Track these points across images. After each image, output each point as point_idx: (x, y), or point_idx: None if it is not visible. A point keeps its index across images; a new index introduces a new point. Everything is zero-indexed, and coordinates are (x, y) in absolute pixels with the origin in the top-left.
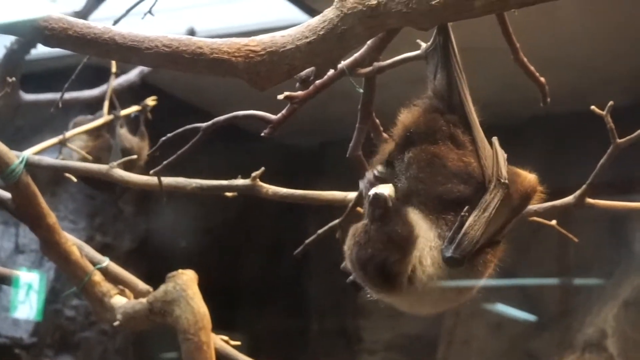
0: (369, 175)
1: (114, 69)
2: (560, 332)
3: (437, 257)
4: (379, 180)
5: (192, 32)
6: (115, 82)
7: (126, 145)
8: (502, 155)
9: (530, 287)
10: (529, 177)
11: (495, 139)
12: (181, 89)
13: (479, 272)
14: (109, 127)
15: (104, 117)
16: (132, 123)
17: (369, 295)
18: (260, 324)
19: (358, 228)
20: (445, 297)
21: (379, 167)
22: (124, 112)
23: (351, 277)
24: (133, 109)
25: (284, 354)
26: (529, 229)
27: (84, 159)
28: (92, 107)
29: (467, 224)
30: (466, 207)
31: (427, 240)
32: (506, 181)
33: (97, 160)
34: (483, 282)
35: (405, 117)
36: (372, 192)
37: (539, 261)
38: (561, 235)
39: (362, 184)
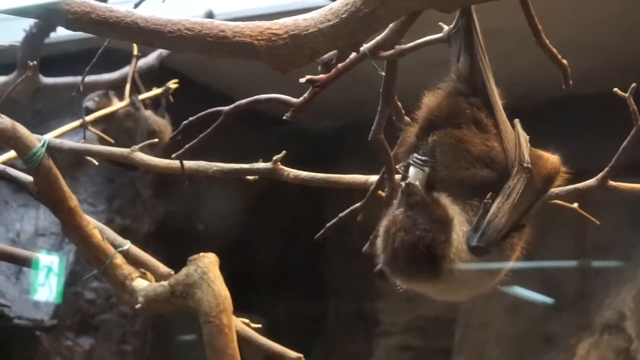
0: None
1: (135, 52)
2: (578, 314)
3: None
4: (409, 167)
5: (210, 15)
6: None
7: (154, 128)
8: (524, 137)
9: (548, 270)
10: (552, 159)
11: (517, 122)
12: (201, 73)
13: (507, 256)
14: (131, 110)
15: (125, 100)
16: (153, 106)
17: (398, 287)
18: (278, 307)
19: (397, 216)
20: (478, 282)
21: (416, 155)
22: (143, 96)
23: (379, 267)
24: (154, 92)
25: (302, 336)
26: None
27: (105, 142)
28: (112, 90)
29: (491, 211)
30: (489, 194)
31: (460, 224)
32: (529, 165)
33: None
34: (511, 265)
35: (429, 100)
36: (403, 182)
37: (557, 244)
38: (579, 218)
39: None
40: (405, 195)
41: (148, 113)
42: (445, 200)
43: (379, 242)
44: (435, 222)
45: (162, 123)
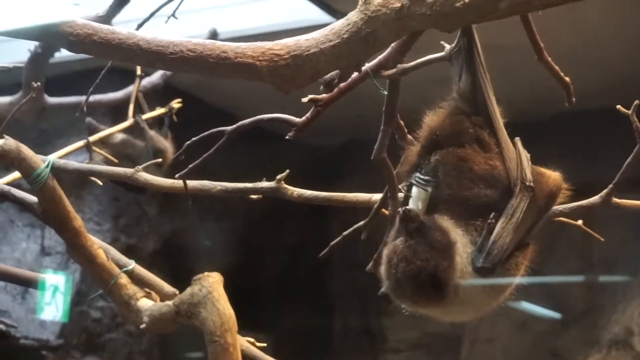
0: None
1: (139, 72)
2: (585, 330)
3: None
4: (411, 187)
5: (214, 34)
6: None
7: (159, 147)
8: (525, 156)
9: (555, 285)
10: (554, 176)
11: (517, 140)
12: (205, 92)
13: (512, 275)
14: (135, 130)
15: (129, 120)
16: (157, 125)
17: (404, 310)
18: (284, 324)
19: (397, 246)
20: (484, 302)
21: (419, 174)
22: (146, 116)
23: (383, 290)
24: (158, 111)
25: (308, 354)
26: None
27: (110, 162)
28: (116, 109)
29: (495, 231)
30: (493, 214)
31: (464, 246)
32: (531, 184)
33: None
34: (516, 282)
35: (431, 119)
36: (401, 209)
37: (564, 259)
38: (586, 233)
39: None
40: (404, 222)
41: (152, 133)
42: (446, 222)
43: (382, 270)
44: (436, 248)
45: (166, 142)
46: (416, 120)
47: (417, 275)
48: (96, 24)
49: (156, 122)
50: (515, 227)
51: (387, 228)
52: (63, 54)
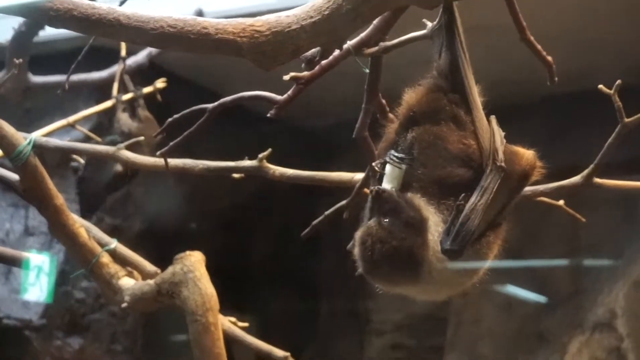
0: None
1: (123, 52)
2: (570, 312)
3: None
4: (384, 166)
5: (200, 14)
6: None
7: (124, 130)
8: (499, 134)
9: (540, 268)
10: (527, 155)
11: (493, 118)
12: (190, 71)
13: (484, 254)
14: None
15: (111, 100)
16: (129, 108)
17: (379, 290)
18: (270, 306)
19: (371, 227)
20: (457, 281)
21: (393, 152)
22: (127, 96)
23: (359, 272)
24: (144, 91)
25: (294, 335)
26: (539, 210)
27: (92, 140)
28: (101, 89)
29: (464, 212)
30: (462, 195)
31: (436, 225)
32: (502, 164)
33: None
34: (491, 263)
35: (410, 96)
36: (373, 189)
37: (549, 242)
38: (571, 216)
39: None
40: (376, 202)
41: (123, 115)
42: (419, 201)
43: (356, 252)
44: (409, 226)
45: (134, 125)
46: (398, 101)
47: (392, 255)
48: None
49: (130, 105)
50: (485, 208)
51: (362, 208)
52: (49, 32)
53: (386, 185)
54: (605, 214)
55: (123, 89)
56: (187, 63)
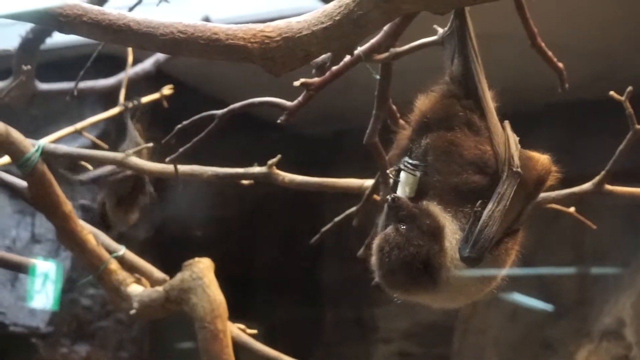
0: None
1: (130, 59)
2: (577, 321)
3: None
4: (398, 173)
5: (207, 20)
6: (131, 71)
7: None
8: (514, 140)
9: (547, 276)
10: (542, 159)
11: (506, 123)
12: (197, 78)
13: (502, 261)
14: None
15: (118, 107)
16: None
17: (395, 299)
18: (276, 313)
19: (388, 235)
20: (475, 289)
21: (407, 159)
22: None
23: (376, 281)
24: (151, 97)
25: (299, 342)
26: (546, 218)
27: (99, 147)
28: (107, 96)
29: (482, 219)
30: (479, 202)
31: (453, 232)
32: (518, 169)
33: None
34: (506, 270)
35: (422, 102)
36: (388, 197)
37: (556, 250)
38: (578, 224)
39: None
40: (392, 210)
41: (138, 125)
42: (435, 208)
43: (373, 260)
44: (426, 234)
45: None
46: (409, 108)
47: (410, 263)
48: (87, 5)
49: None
50: (503, 214)
51: (377, 214)
52: (56, 40)
53: (401, 192)
54: (612, 223)
55: (130, 96)
56: (194, 71)
